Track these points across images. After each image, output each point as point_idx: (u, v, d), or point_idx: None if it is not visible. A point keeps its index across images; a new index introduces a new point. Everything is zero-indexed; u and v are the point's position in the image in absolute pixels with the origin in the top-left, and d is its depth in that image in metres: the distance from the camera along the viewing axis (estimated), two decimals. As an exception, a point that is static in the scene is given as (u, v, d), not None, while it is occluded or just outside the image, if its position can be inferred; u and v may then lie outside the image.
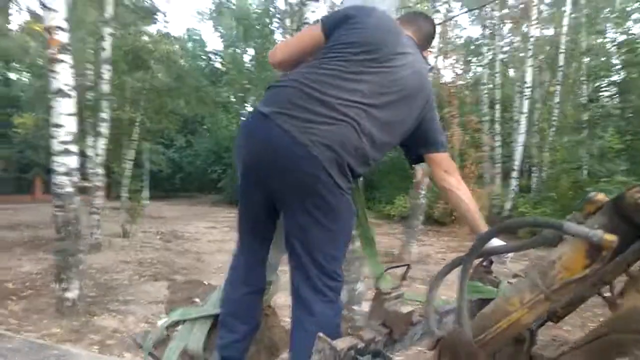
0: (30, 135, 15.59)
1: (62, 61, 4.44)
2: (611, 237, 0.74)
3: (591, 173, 11.51)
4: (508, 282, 1.31)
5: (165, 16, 18.21)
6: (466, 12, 13.58)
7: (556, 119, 13.97)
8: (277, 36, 19.65)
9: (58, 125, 4.46)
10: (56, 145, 4.44)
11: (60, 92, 4.42)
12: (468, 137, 13.54)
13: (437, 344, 0.93)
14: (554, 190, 11.84)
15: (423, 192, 8.57)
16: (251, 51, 23.97)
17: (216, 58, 28.12)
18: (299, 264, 1.64)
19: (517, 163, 13.42)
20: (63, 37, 4.46)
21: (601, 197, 0.82)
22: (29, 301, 4.90)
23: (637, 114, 12.18)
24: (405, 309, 1.41)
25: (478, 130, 14.39)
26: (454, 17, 13.58)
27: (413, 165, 1.98)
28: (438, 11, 9.36)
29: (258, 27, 20.95)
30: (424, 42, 1.92)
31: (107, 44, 8.64)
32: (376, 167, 12.45)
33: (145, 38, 13.54)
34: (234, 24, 22.20)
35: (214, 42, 50.73)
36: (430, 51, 1.94)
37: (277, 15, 19.81)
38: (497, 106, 15.39)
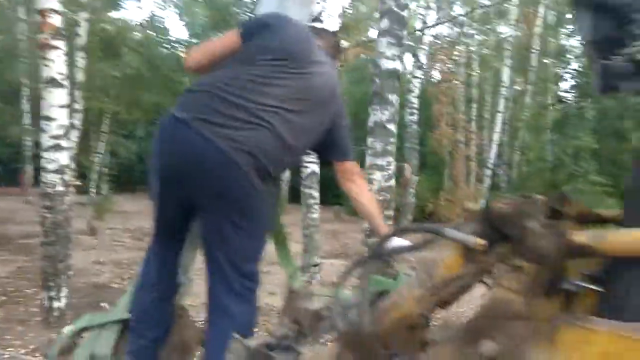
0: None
1: (56, 48, 4.05)
2: (481, 242, 0.88)
3: (565, 172, 11.90)
4: (405, 274, 1.45)
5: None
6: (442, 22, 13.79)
7: (525, 119, 14.41)
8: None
9: (49, 118, 4.04)
10: (46, 140, 4.04)
11: (52, 82, 4.03)
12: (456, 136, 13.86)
13: (340, 336, 1.04)
14: (528, 189, 12.23)
15: (412, 190, 8.60)
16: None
17: (180, 47, 27.30)
18: (216, 265, 1.67)
19: (491, 161, 13.75)
20: (57, 20, 4.06)
21: (475, 206, 1.00)
22: (6, 310, 4.47)
23: (604, 115, 12.65)
24: (317, 306, 1.49)
25: (466, 129, 14.70)
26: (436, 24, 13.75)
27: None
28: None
29: (228, 18, 20.47)
30: (333, 53, 2.02)
31: (82, 30, 8.12)
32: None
33: (119, 24, 12.98)
34: (201, 13, 21.56)
35: (178, 30, 49.37)
36: (339, 62, 2.10)
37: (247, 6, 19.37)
38: (474, 105, 15.73)
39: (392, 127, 3.84)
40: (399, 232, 1.07)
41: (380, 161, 3.80)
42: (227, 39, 1.89)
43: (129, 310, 1.87)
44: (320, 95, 1.78)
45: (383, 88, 3.80)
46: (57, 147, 4.07)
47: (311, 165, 5.59)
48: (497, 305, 0.87)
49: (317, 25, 2.40)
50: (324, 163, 1.98)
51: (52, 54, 4.05)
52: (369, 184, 3.44)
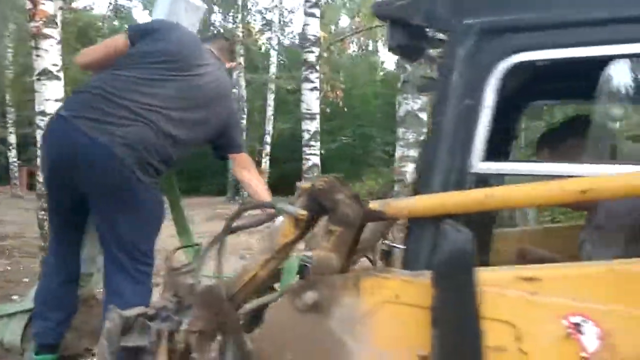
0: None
1: (49, 37, 3.79)
2: (302, 212, 1.07)
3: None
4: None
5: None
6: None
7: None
8: (217, 17, 18.76)
9: (44, 113, 3.73)
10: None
11: (47, 74, 3.78)
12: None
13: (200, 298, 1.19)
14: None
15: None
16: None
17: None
18: (110, 252, 1.84)
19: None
20: (50, 7, 3.80)
21: (305, 185, 1.12)
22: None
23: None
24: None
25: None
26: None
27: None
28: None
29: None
30: (226, 55, 2.23)
31: (58, 20, 7.66)
32: (327, 154, 14.87)
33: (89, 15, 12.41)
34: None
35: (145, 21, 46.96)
36: (233, 63, 2.32)
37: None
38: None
39: (424, 116, 3.64)
40: (244, 209, 1.21)
41: (413, 152, 3.61)
42: (115, 42, 2.05)
43: (34, 297, 1.99)
44: (205, 95, 1.95)
45: (414, 76, 3.56)
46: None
47: (312, 157, 5.59)
48: (318, 261, 1.07)
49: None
50: (219, 157, 2.22)
51: (44, 44, 3.78)
52: (401, 177, 3.56)
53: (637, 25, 0.97)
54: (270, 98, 16.00)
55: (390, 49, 1.24)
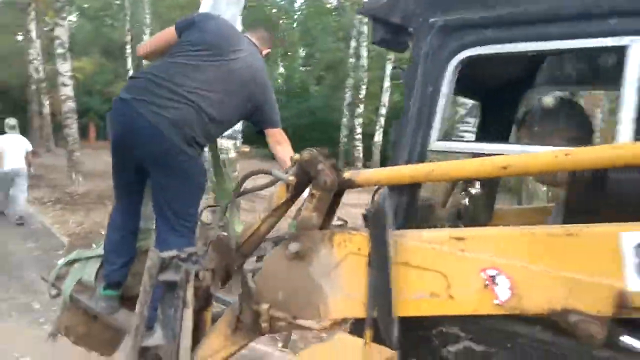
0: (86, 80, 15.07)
1: None
2: (291, 178, 1.30)
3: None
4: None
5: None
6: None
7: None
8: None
9: None
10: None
11: None
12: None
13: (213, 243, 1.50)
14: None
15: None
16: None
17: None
18: (160, 210, 2.21)
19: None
20: None
21: (297, 156, 1.31)
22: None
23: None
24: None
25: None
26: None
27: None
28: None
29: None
30: (264, 43, 2.52)
31: None
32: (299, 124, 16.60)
33: None
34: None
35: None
36: (268, 50, 2.59)
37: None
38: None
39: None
40: (248, 175, 1.46)
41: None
42: (165, 34, 2.41)
43: (103, 245, 2.43)
44: (238, 78, 2.24)
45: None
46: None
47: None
48: (302, 220, 1.32)
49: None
50: (257, 131, 2.48)
51: None
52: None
53: (569, 23, 1.12)
54: (388, 69, 15.71)
55: (374, 43, 1.45)
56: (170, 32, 2.37)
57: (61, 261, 2.57)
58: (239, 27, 3.23)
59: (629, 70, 1.07)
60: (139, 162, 2.19)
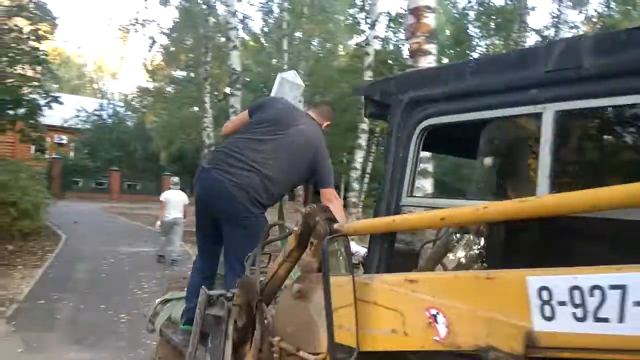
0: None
1: (428, 53, 3.60)
2: (295, 229, 1.54)
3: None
4: None
5: None
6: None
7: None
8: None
9: None
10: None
11: None
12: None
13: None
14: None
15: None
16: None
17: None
18: (227, 257, 2.69)
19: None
20: (431, 20, 3.61)
21: (302, 210, 1.53)
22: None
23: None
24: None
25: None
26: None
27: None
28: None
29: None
30: (322, 117, 2.97)
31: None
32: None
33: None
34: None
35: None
36: (327, 122, 3.04)
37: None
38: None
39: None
40: (271, 226, 1.83)
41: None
42: (241, 117, 3.08)
43: (187, 287, 2.91)
44: (297, 148, 2.70)
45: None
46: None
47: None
48: (304, 264, 1.55)
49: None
50: (315, 190, 2.91)
51: (423, 61, 3.60)
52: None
53: (499, 95, 1.33)
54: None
55: (365, 116, 1.85)
56: (244, 115, 3.01)
57: (158, 300, 3.10)
58: (300, 105, 3.84)
59: (543, 133, 1.22)
60: (214, 217, 2.70)
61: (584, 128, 1.55)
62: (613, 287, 0.86)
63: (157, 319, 2.94)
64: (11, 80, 10.82)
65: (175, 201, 9.11)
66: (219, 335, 1.86)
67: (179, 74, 25.65)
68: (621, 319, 0.85)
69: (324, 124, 2.95)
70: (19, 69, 11.09)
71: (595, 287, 0.88)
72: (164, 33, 23.46)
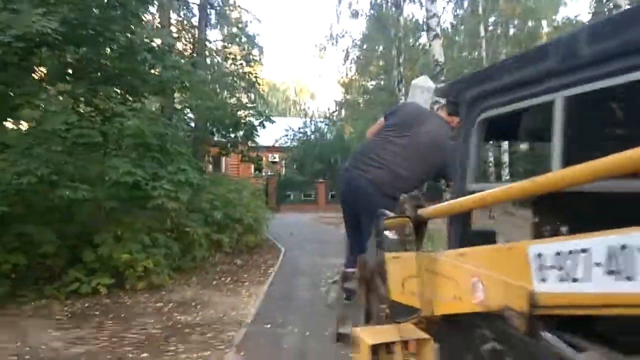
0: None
1: None
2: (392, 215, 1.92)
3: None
4: None
5: None
6: None
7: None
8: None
9: None
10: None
11: None
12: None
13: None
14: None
15: None
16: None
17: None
18: (364, 243, 2.46)
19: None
20: None
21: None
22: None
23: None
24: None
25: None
26: None
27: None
28: None
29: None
30: (448, 118, 3.10)
31: None
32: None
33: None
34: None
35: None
36: (456, 120, 2.57)
37: None
38: None
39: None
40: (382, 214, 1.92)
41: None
42: (380, 121, 3.38)
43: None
44: (422, 147, 2.96)
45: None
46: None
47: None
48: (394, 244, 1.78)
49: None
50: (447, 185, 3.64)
51: None
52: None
53: (529, 86, 1.54)
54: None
55: (448, 114, 2.81)
56: (382, 121, 3.39)
57: (330, 280, 3.55)
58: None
59: (554, 117, 1.44)
60: (355, 211, 3.11)
61: (592, 111, 1.67)
62: (582, 250, 0.98)
63: (329, 296, 3.31)
64: (232, 106, 11.73)
65: None
66: (355, 305, 2.25)
67: (371, 83, 25.77)
68: (587, 278, 0.97)
69: (454, 121, 2.81)
70: (236, 96, 12.00)
71: (570, 252, 1.01)
72: (356, 44, 24.00)
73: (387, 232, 1.74)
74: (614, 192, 1.21)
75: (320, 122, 31.78)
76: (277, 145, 28.54)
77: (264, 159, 24.06)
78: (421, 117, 3.12)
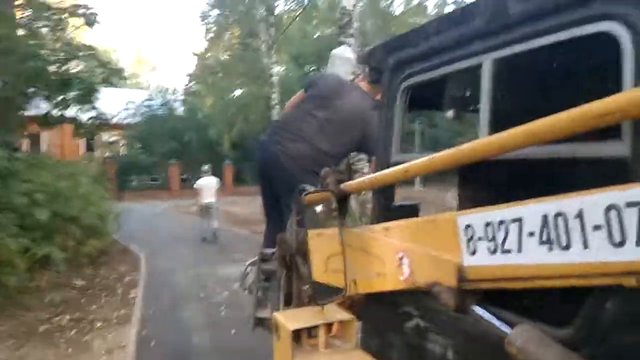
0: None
1: None
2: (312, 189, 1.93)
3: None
4: None
5: None
6: None
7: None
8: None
9: None
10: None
11: None
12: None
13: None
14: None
15: None
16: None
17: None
18: (283, 220, 2.43)
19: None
20: None
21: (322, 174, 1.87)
22: None
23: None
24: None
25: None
26: None
27: None
28: None
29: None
30: (370, 90, 2.99)
31: None
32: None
33: None
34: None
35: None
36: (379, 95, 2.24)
37: None
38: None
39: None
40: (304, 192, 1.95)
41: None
42: (300, 94, 3.30)
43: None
44: (343, 120, 2.90)
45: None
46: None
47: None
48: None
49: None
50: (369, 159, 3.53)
51: None
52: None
53: (450, 51, 1.43)
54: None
55: (369, 82, 2.92)
56: (301, 93, 3.25)
57: (247, 262, 3.06)
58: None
59: (482, 82, 1.30)
60: (274, 187, 2.94)
61: (519, 74, 1.54)
62: (514, 220, 0.95)
63: (247, 279, 2.97)
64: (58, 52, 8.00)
65: (208, 187, 10.27)
66: (275, 287, 2.21)
67: (229, 53, 22.92)
68: (520, 250, 0.94)
69: (378, 95, 2.43)
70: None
71: (501, 222, 0.98)
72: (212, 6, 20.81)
73: (308, 208, 1.76)
74: (542, 158, 1.12)
75: (170, 95, 27.72)
76: (114, 122, 23.79)
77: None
78: (342, 89, 3.01)
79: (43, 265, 6.43)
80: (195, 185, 10.61)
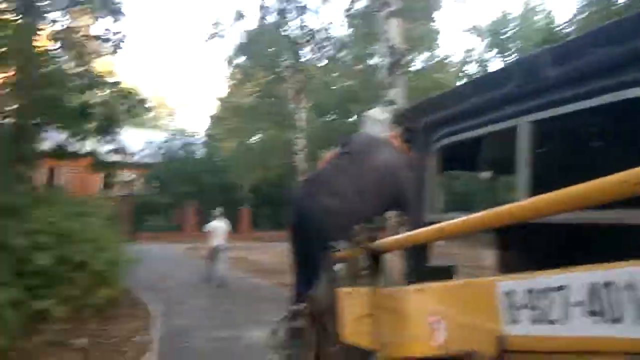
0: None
1: None
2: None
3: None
4: None
5: None
6: None
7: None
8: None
9: None
10: None
11: None
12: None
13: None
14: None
15: None
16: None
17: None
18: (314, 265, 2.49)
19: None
20: None
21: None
22: None
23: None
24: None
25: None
26: None
27: None
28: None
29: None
30: (402, 146, 2.91)
31: None
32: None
33: None
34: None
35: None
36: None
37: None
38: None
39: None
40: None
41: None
42: (334, 151, 3.26)
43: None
44: (377, 176, 2.82)
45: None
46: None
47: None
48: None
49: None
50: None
51: None
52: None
53: (483, 114, 1.49)
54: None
55: (404, 141, 2.58)
56: (336, 150, 3.21)
57: (277, 319, 2.79)
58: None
59: (519, 147, 1.34)
60: (305, 240, 2.80)
61: (557, 136, 1.58)
62: (559, 288, 0.88)
63: (274, 338, 2.75)
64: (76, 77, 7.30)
65: (218, 230, 10.43)
66: (303, 346, 2.13)
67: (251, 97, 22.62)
68: (565, 320, 0.86)
69: (408, 154, 2.51)
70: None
71: (544, 289, 0.90)
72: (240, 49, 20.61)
73: (339, 266, 1.68)
74: (587, 223, 1.13)
75: (190, 137, 27.36)
76: (133, 161, 23.28)
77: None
78: (374, 146, 2.99)
79: (42, 318, 5.43)
80: (206, 229, 10.81)
